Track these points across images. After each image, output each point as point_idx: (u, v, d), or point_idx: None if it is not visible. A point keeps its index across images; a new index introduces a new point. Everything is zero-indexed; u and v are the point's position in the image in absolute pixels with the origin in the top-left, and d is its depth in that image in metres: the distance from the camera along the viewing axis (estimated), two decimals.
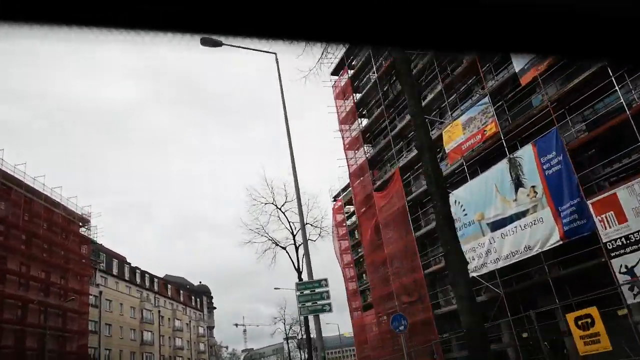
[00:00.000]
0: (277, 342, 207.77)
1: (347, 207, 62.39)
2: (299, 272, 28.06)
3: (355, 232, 61.54)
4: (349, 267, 59.99)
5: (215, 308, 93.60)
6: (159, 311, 61.79)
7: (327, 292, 12.78)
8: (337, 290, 44.17)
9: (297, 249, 28.77)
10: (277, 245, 29.63)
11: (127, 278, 56.36)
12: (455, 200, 20.58)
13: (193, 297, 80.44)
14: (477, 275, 19.84)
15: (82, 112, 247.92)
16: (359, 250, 60.52)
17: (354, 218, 62.30)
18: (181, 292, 74.94)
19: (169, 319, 65.18)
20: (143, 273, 61.51)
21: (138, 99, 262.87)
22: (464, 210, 20.89)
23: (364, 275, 60.08)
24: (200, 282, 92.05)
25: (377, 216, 29.61)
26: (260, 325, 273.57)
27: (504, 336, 20.99)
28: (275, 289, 37.94)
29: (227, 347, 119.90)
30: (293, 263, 29.09)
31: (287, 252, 29.73)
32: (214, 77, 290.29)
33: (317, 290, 12.70)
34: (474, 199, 20.39)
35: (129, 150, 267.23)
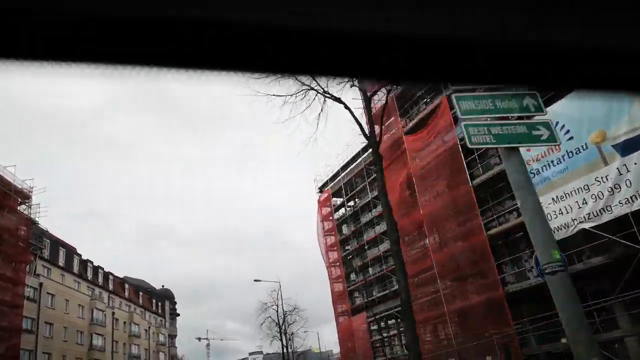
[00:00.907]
0: (243, 356, 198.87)
1: (334, 199, 56.37)
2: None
3: (343, 226, 55.49)
4: (335, 266, 53.64)
5: (178, 315, 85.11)
6: (113, 313, 53.64)
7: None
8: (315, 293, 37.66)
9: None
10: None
11: (75, 271, 48.26)
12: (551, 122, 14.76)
13: (154, 301, 72.09)
14: (592, 227, 13.97)
15: (45, 115, 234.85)
16: (347, 247, 54.43)
17: (342, 211, 56.23)
18: (140, 293, 66.65)
19: (124, 322, 56.95)
20: (96, 268, 53.39)
21: (103, 104, 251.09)
22: (567, 132, 15.12)
23: (352, 275, 53.89)
24: (163, 286, 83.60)
25: (408, 166, 23.51)
26: (225, 340, 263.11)
27: (620, 320, 15.15)
28: (255, 280, 31.29)
29: None
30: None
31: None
32: (181, 84, 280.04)
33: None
34: (588, 114, 14.68)
35: (93, 158, 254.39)
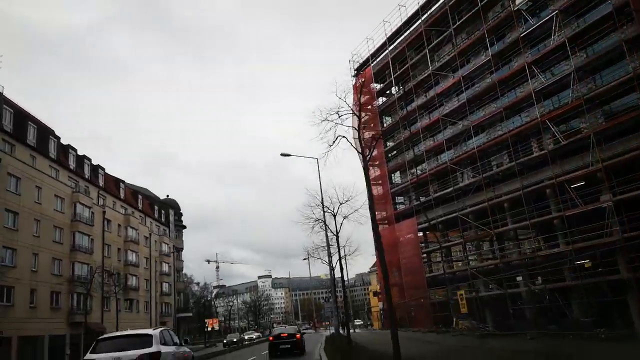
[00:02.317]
0: (251, 280, 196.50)
1: (374, 85, 45.31)
2: None
3: (384, 118, 44.87)
4: (374, 165, 43.71)
5: (185, 227, 77.36)
6: (104, 212, 44.81)
7: None
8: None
9: None
10: None
11: (52, 156, 38.66)
12: None
13: (156, 208, 63.61)
14: None
15: (42, 35, 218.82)
16: (388, 142, 44.11)
17: (381, 100, 45.28)
18: (140, 197, 57.83)
19: (119, 225, 48.40)
20: (81, 159, 43.82)
21: (100, 19, 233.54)
22: None
23: (395, 175, 43.94)
24: (167, 196, 75.16)
25: None
26: (235, 263, 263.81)
27: None
28: (283, 155, 20.73)
29: (198, 283, 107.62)
30: None
31: None
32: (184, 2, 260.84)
33: None
34: None
35: (91, 80, 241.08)
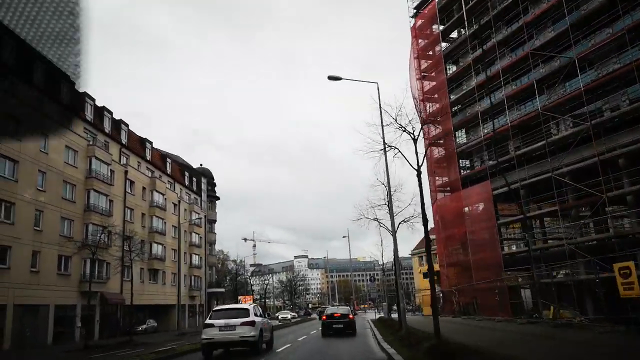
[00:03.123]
0: (287, 260, 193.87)
1: (437, 27, 38.12)
2: None
3: (448, 65, 37.67)
4: (433, 121, 36.82)
5: (218, 198, 72.82)
6: (126, 172, 40.17)
7: None
8: None
9: None
10: None
11: (63, 100, 33.90)
12: None
13: (187, 175, 58.95)
14: None
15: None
16: (452, 93, 36.94)
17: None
18: (169, 161, 53.15)
19: (143, 188, 43.80)
20: (100, 110, 39.04)
21: None
22: None
23: (459, 133, 36.82)
24: (201, 165, 70.66)
25: None
26: (272, 242, 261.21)
27: None
28: (331, 78, 13.84)
29: (235, 260, 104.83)
30: None
31: None
32: None
33: None
34: None
35: (130, 54, 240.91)
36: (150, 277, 44.22)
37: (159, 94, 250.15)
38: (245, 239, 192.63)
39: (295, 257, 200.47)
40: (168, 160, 52.66)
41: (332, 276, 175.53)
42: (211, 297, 66.09)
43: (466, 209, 31.54)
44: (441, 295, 34.65)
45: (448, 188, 33.72)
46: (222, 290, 69.83)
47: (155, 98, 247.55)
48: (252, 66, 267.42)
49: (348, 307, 28.76)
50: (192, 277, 54.00)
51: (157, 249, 45.11)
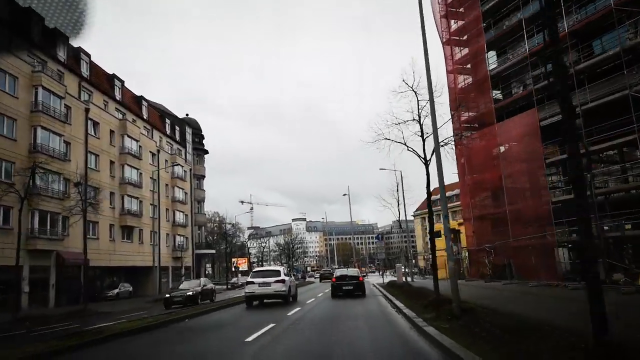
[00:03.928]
0: (285, 223, 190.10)
1: None
2: None
3: None
4: (458, 43, 29.70)
5: (207, 152, 66.49)
6: (87, 109, 33.70)
7: None
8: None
9: None
10: None
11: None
12: None
13: (168, 122, 52.38)
14: None
15: None
16: (485, 4, 29.77)
17: None
18: (145, 104, 46.48)
19: (112, 131, 37.45)
20: (50, 33, 32.03)
21: None
22: None
23: (490, 55, 29.81)
24: (187, 115, 63.87)
25: None
26: (270, 205, 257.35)
27: None
28: None
29: (233, 224, 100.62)
30: None
31: None
32: None
33: None
34: None
35: (124, 15, 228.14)
36: (123, 235, 38.51)
37: (152, 55, 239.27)
38: (242, 202, 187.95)
39: (293, 219, 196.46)
40: (144, 103, 45.98)
41: (330, 239, 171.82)
42: (201, 259, 60.86)
43: (502, 147, 25.39)
44: (466, 255, 29.03)
45: (476, 124, 27.42)
46: (213, 251, 64.61)
47: (148, 59, 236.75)
48: (248, 25, 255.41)
49: (357, 270, 28.64)
50: (176, 237, 48.39)
51: (130, 203, 39.19)
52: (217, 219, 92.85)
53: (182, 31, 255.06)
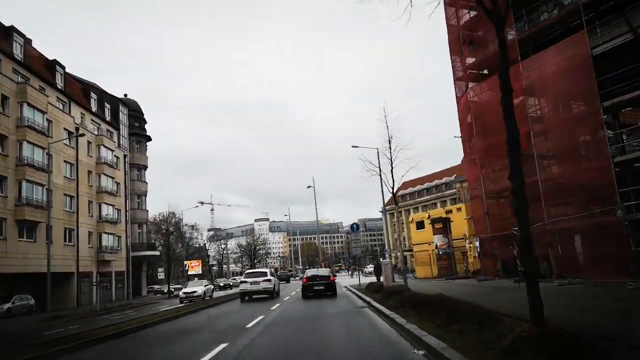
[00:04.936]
0: (247, 224, 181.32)
1: None
2: None
3: None
4: None
5: (150, 139, 57.53)
6: None
7: None
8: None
9: None
10: None
11: None
12: None
13: (95, 98, 43.15)
14: None
15: None
16: None
17: None
18: (60, 71, 37.23)
19: (4, 96, 28.47)
20: None
21: None
22: None
23: None
24: (125, 95, 54.55)
25: None
26: (232, 206, 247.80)
27: None
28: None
29: (192, 226, 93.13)
30: None
31: None
32: None
33: None
34: None
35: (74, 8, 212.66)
36: (21, 232, 29.54)
37: (106, 50, 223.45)
38: (202, 202, 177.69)
39: (256, 220, 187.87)
40: (59, 69, 36.77)
41: (294, 239, 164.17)
42: (142, 262, 51.82)
43: (529, 98, 18.30)
44: (477, 245, 21.94)
45: (485, 71, 20.39)
46: (156, 253, 55.52)
47: (102, 53, 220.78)
48: (203, 20, 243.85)
49: (328, 270, 29.69)
50: (104, 236, 39.35)
51: (32, 191, 30.23)
52: (174, 220, 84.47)
53: (139, 30, 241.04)
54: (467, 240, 25.48)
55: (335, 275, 28.41)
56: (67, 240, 34.31)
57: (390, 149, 13.97)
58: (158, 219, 69.00)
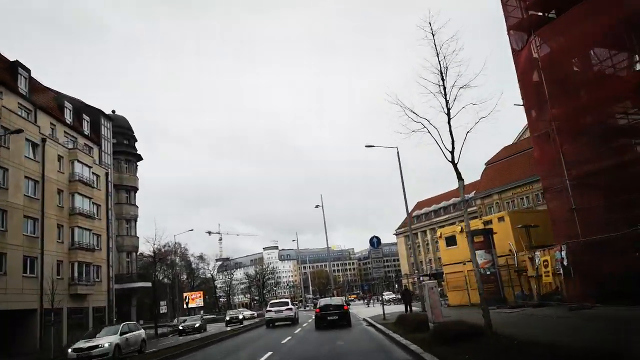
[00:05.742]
0: (256, 252, 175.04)
1: None
2: None
3: None
4: None
5: (141, 158, 52.61)
6: None
7: None
8: None
9: None
10: None
11: None
12: None
13: (70, 109, 38.17)
14: None
15: None
16: None
17: None
18: (23, 74, 32.29)
19: None
20: None
21: None
22: None
23: None
24: (113, 111, 49.78)
25: None
26: (240, 235, 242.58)
27: None
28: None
29: (201, 256, 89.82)
30: None
31: None
32: None
33: None
34: None
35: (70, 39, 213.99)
36: None
37: (98, 77, 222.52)
38: (210, 232, 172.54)
39: (265, 248, 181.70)
40: (21, 73, 31.86)
41: (304, 267, 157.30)
42: (130, 294, 45.95)
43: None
44: (559, 257, 15.59)
45: (553, 13, 14.80)
46: (148, 284, 49.62)
47: (105, 92, 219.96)
48: (208, 55, 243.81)
49: (342, 299, 31.14)
50: (78, 264, 33.61)
51: None
52: (180, 250, 79.46)
53: (145, 65, 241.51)
54: (529, 254, 19.29)
55: (349, 304, 25.95)
56: (28, 271, 28.71)
57: (445, 87, 8.48)
58: (163, 250, 63.62)
